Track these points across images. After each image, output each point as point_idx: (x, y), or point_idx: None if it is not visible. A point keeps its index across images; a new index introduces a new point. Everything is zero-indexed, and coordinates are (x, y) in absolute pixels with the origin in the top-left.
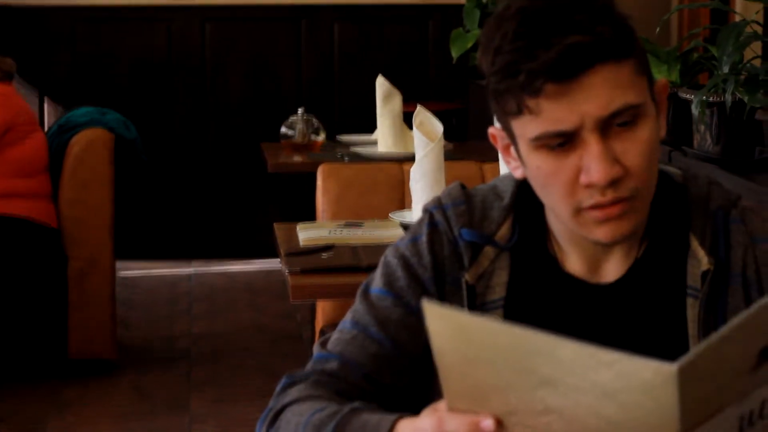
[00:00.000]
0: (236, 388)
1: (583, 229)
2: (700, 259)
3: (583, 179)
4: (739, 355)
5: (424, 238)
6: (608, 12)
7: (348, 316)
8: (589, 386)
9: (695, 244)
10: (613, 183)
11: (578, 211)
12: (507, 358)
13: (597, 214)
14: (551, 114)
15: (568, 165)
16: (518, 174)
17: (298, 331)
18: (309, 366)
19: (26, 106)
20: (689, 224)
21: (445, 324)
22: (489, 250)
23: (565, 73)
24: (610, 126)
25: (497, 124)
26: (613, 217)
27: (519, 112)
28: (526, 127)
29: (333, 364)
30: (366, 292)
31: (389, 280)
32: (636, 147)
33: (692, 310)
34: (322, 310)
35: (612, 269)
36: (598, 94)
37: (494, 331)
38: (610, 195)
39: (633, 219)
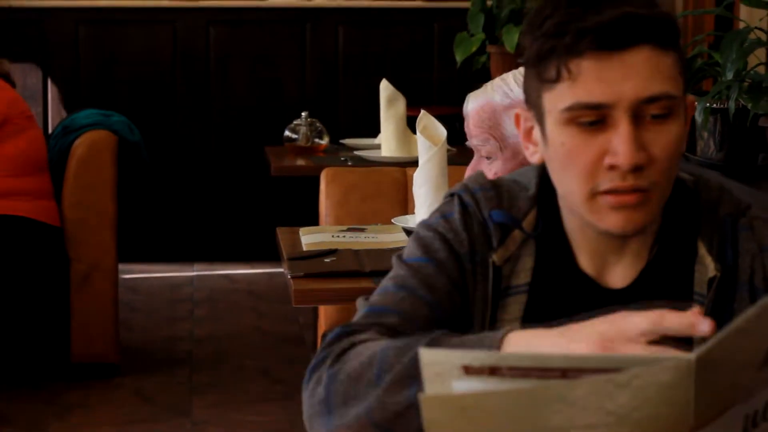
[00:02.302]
0: (238, 391)
1: (595, 215)
2: (707, 266)
3: (608, 160)
4: (750, 349)
5: (456, 216)
6: (658, 4)
7: (387, 282)
8: (604, 417)
9: (703, 250)
10: (636, 170)
11: (593, 196)
12: (513, 422)
13: (611, 199)
14: (588, 84)
15: (595, 145)
16: (536, 159)
17: (300, 335)
18: (361, 318)
19: (20, 99)
20: (698, 230)
21: (444, 411)
22: (517, 235)
23: (612, 41)
24: (643, 115)
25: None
26: (628, 205)
27: (557, 78)
28: (560, 97)
29: (393, 319)
30: (403, 262)
31: (428, 251)
32: (665, 140)
33: None
34: (325, 314)
35: (622, 273)
36: (639, 75)
37: (500, 398)
38: (630, 181)
39: (645, 213)
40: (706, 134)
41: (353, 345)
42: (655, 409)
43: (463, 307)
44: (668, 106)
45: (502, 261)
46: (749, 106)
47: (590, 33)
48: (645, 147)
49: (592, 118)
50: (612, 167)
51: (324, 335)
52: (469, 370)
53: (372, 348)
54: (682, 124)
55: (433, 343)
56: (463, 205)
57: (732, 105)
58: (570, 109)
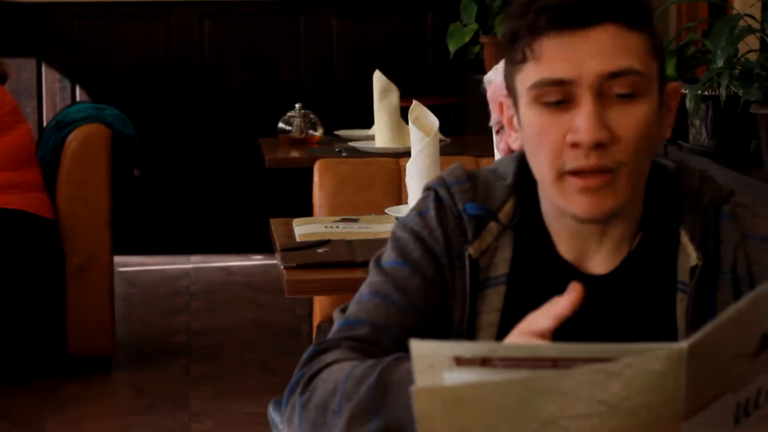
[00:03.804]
0: (235, 383)
1: (564, 198)
2: (690, 255)
3: (569, 137)
4: (743, 338)
5: (431, 212)
6: None
7: (364, 289)
8: (596, 406)
9: (685, 239)
10: (599, 147)
11: (561, 176)
12: (505, 413)
13: (577, 182)
14: (552, 61)
15: (560, 124)
16: (517, 145)
17: (297, 327)
18: (335, 333)
19: (9, 97)
20: (680, 219)
21: (436, 403)
22: (493, 227)
23: (575, 19)
24: (608, 94)
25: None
26: (593, 188)
27: (523, 59)
28: (527, 77)
29: (364, 330)
30: (379, 266)
31: (402, 252)
32: (630, 120)
33: (681, 305)
34: (320, 305)
35: (604, 260)
36: (603, 51)
37: (493, 389)
38: (593, 159)
39: (613, 197)
40: (697, 122)
41: (321, 369)
42: (647, 397)
43: (443, 303)
44: (634, 85)
45: (478, 253)
46: (740, 93)
47: (552, 11)
48: (608, 125)
49: (557, 97)
50: (574, 145)
51: (319, 326)
52: (460, 362)
53: (337, 373)
54: (652, 106)
55: (383, 371)
56: (439, 200)
57: (723, 92)
58: (535, 86)
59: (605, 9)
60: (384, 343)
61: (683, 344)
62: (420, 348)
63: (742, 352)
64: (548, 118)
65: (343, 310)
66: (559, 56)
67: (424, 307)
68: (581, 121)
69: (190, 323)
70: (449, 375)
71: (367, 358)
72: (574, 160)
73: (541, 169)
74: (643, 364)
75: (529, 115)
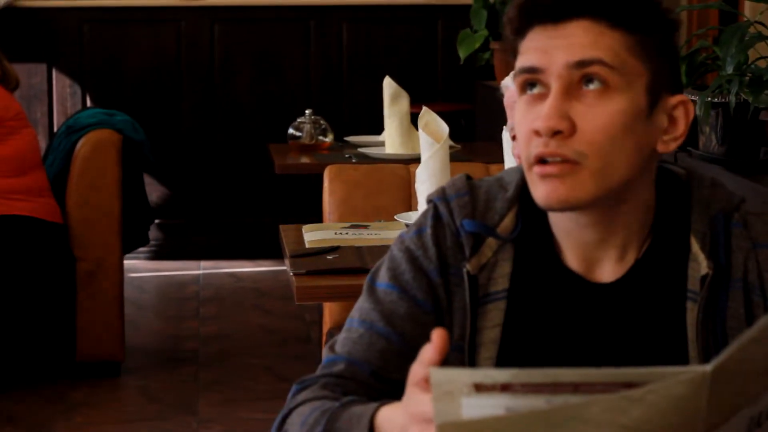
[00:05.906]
0: (244, 389)
1: (532, 187)
2: (700, 263)
3: (532, 125)
4: (761, 356)
5: (428, 230)
6: None
7: (355, 314)
8: (615, 430)
9: (696, 247)
10: (558, 136)
11: (530, 165)
12: None
13: (538, 169)
14: (528, 52)
15: (533, 113)
16: None
17: (306, 333)
18: (318, 370)
19: (14, 102)
20: (690, 226)
21: None
22: (491, 242)
23: (551, 13)
24: (578, 87)
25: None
26: (551, 174)
27: (514, 56)
28: (515, 72)
29: (340, 366)
30: (372, 287)
31: (395, 274)
32: (596, 114)
33: (691, 314)
34: (330, 311)
35: (612, 268)
36: (574, 43)
37: (515, 421)
38: (551, 147)
39: (572, 189)
40: (707, 128)
41: (292, 411)
42: (667, 420)
43: (437, 323)
44: (602, 77)
45: (476, 269)
46: (750, 100)
47: (532, 8)
48: (570, 116)
49: (530, 84)
50: (536, 132)
51: (329, 332)
52: (480, 388)
53: (300, 417)
54: (628, 105)
55: (329, 420)
56: (437, 217)
57: (732, 99)
58: (516, 75)
59: (580, 5)
60: (359, 377)
61: (707, 367)
62: (438, 376)
63: (759, 370)
64: (525, 107)
65: (332, 346)
66: (535, 47)
67: (410, 332)
68: (543, 109)
69: (199, 329)
70: (467, 401)
71: (338, 394)
72: (536, 147)
73: (522, 161)
74: (665, 389)
75: (518, 106)
